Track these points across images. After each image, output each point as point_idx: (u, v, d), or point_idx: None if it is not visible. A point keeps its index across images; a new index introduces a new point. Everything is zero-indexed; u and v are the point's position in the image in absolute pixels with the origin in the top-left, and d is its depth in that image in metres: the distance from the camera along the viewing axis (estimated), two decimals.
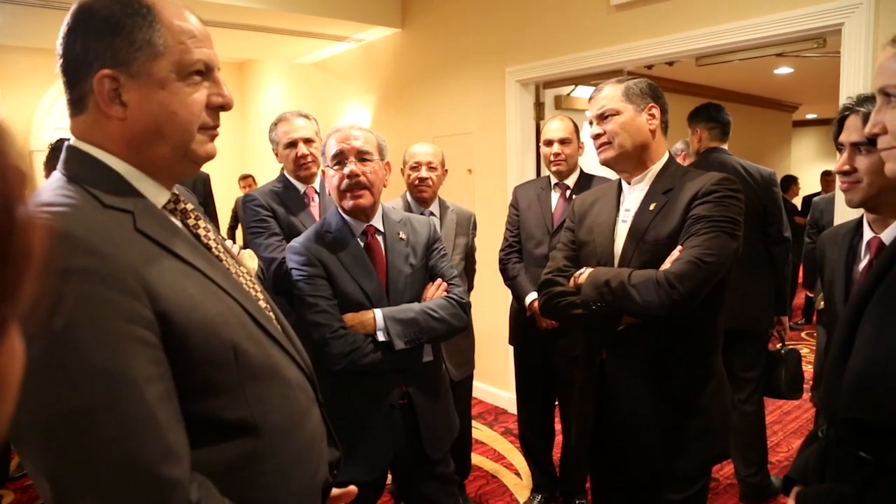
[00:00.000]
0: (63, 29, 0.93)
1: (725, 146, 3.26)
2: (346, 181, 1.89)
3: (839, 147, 1.61)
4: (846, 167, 1.57)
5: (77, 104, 0.95)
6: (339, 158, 1.91)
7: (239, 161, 7.57)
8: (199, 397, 0.87)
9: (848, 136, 1.57)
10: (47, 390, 0.76)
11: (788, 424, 4.18)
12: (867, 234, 1.62)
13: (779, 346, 3.13)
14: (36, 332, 0.75)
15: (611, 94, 1.85)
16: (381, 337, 1.85)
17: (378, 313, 1.88)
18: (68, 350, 0.77)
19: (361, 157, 1.91)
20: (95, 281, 0.80)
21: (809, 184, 9.61)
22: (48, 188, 0.91)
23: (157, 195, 0.99)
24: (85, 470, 0.78)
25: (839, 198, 2.70)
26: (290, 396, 1.04)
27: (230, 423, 0.93)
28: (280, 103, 6.85)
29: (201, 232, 1.05)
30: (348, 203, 1.91)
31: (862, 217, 1.67)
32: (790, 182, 8.03)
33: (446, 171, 3.01)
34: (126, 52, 0.91)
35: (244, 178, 7.23)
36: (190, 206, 1.06)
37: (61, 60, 0.94)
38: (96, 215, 0.87)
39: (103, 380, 0.79)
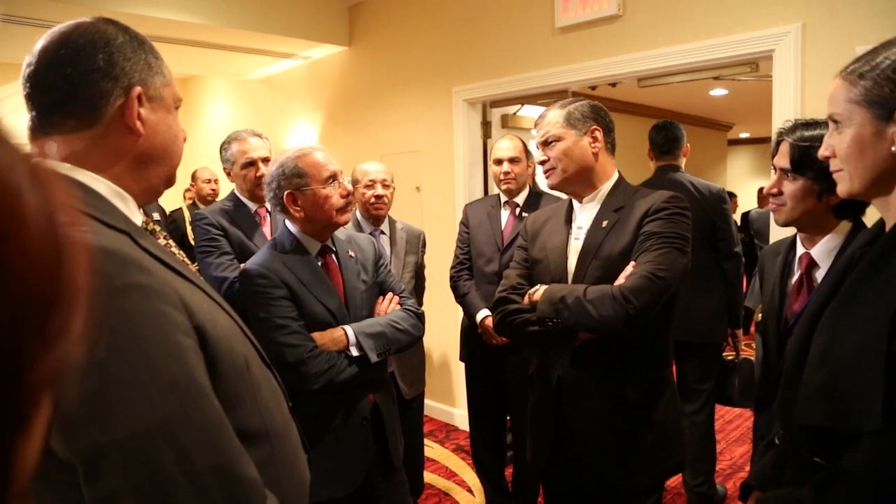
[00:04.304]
0: (68, 45, 0.92)
1: (678, 163, 3.36)
2: (342, 200, 1.94)
3: (774, 168, 1.70)
4: (774, 190, 1.68)
5: (84, 118, 0.92)
6: (334, 178, 1.94)
7: (184, 177, 7.40)
8: (227, 409, 0.88)
9: (778, 161, 1.67)
10: (127, 408, 0.76)
11: (730, 433, 4.30)
12: (799, 250, 1.72)
13: (731, 356, 3.22)
14: (104, 350, 0.73)
15: (553, 119, 1.88)
16: (354, 352, 1.88)
17: (349, 329, 1.90)
18: (142, 366, 0.78)
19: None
20: (152, 296, 0.81)
21: (745, 200, 9.98)
22: None
23: (135, 216, 0.99)
24: (174, 479, 0.78)
25: None
26: (280, 403, 1.09)
27: (251, 431, 0.95)
28: (226, 119, 6.74)
29: (175, 251, 1.05)
30: (343, 218, 1.96)
31: (796, 234, 1.75)
32: (730, 198, 8.34)
33: (394, 188, 3.02)
34: (147, 75, 0.97)
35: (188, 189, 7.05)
36: (158, 227, 1.05)
37: (63, 74, 0.91)
38: (110, 234, 0.85)
39: (179, 391, 0.80)
